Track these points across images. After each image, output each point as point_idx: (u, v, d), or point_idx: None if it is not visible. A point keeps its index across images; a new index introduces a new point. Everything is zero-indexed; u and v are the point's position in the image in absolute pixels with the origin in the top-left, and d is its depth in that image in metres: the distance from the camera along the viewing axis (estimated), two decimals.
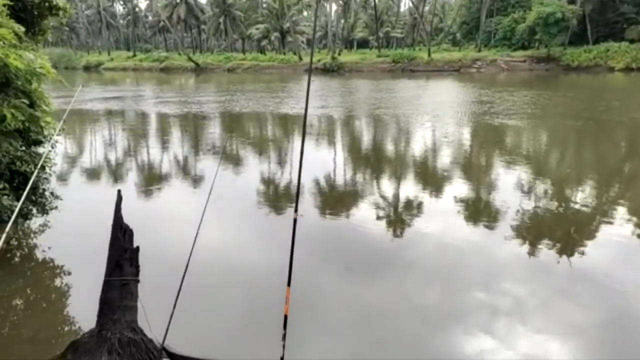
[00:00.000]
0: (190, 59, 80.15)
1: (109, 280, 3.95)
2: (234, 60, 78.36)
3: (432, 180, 13.16)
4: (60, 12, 8.31)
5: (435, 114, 25.52)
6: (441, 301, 6.69)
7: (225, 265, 7.83)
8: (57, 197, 8.37)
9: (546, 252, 8.20)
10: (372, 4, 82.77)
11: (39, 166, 4.91)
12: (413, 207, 10.74)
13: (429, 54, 68.63)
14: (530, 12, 62.29)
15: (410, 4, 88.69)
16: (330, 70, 66.48)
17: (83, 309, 5.94)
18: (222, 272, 7.57)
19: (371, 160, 16.28)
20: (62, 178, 13.11)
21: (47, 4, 8.11)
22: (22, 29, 6.99)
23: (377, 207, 10.73)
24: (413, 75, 58.65)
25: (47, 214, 8.34)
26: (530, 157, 15.73)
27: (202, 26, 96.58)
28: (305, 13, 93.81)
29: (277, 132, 23.08)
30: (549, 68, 60.19)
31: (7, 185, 6.97)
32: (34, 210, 8.08)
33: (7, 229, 3.27)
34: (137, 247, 4.02)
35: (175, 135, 21.54)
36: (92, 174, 14.36)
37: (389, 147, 18.20)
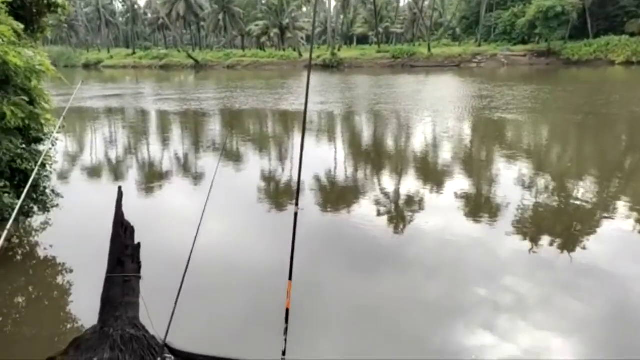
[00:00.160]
0: (189, 56, 79.99)
1: (111, 277, 3.97)
2: (234, 57, 78.17)
3: (432, 175, 13.15)
4: (59, 10, 8.30)
5: (435, 109, 25.48)
6: (442, 295, 6.69)
7: (226, 261, 7.84)
8: (58, 195, 8.38)
9: (547, 246, 8.20)
10: None
11: (39, 163, 4.90)
12: (413, 203, 10.73)
13: (429, 49, 68.43)
14: (530, 6, 62.04)
15: None
16: (330, 66, 66.33)
17: (85, 307, 5.95)
18: (224, 268, 7.57)
19: (371, 156, 16.27)
20: (63, 176, 13.12)
21: (45, 1, 8.10)
22: (21, 26, 6.98)
23: (378, 203, 10.72)
24: (413, 71, 58.54)
25: (49, 211, 8.35)
26: (529, 151, 15.70)
27: (202, 23, 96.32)
28: (304, 9, 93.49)
29: (277, 128, 23.05)
30: (550, 62, 59.99)
31: (7, 184, 6.98)
32: (35, 208, 8.10)
33: (7, 227, 3.27)
34: (139, 244, 4.03)
35: (175, 132, 21.52)
36: (93, 171, 14.36)
37: (389, 143, 18.18)
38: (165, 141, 18.99)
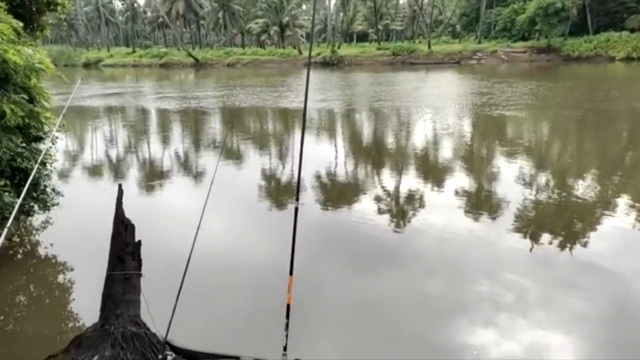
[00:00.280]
0: (189, 55, 79.94)
1: (112, 275, 3.96)
2: (234, 55, 78.10)
3: (431, 172, 13.14)
4: (59, 8, 8.29)
5: (435, 106, 25.46)
6: (443, 292, 6.69)
7: (227, 257, 7.84)
8: (58, 194, 8.38)
9: (548, 243, 8.19)
10: None
11: (38, 161, 4.90)
12: (413, 200, 10.73)
13: (429, 46, 68.38)
14: (530, 2, 61.96)
15: None
16: (330, 64, 66.26)
17: (86, 305, 5.96)
18: (224, 265, 7.58)
19: (371, 153, 16.26)
20: (63, 175, 13.13)
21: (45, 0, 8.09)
22: (21, 24, 6.97)
23: (378, 200, 10.72)
24: (413, 68, 58.47)
25: (49, 210, 8.35)
26: (528, 148, 15.69)
27: (201, 21, 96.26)
28: (304, 7, 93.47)
29: (276, 126, 23.05)
30: (550, 59, 59.93)
31: (8, 182, 6.97)
32: (36, 207, 8.09)
33: (8, 224, 3.27)
34: (139, 241, 4.02)
35: (175, 130, 21.52)
36: (93, 170, 14.36)
37: (389, 140, 18.16)
38: (165, 139, 19.00)
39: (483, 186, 11.62)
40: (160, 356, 3.56)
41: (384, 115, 23.17)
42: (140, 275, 4.02)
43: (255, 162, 14.99)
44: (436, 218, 9.47)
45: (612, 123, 19.96)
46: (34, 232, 9.01)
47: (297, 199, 3.47)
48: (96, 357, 3.64)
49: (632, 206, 9.79)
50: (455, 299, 6.41)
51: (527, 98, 26.79)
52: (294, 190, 11.33)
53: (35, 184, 7.71)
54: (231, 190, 11.38)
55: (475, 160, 14.51)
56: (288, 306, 3.24)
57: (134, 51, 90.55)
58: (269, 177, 13.12)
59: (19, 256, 8.19)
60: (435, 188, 11.63)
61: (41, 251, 8.37)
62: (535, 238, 8.37)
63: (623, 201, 10.13)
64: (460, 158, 14.44)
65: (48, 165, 8.16)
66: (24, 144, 7.21)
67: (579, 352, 5.34)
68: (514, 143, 16.47)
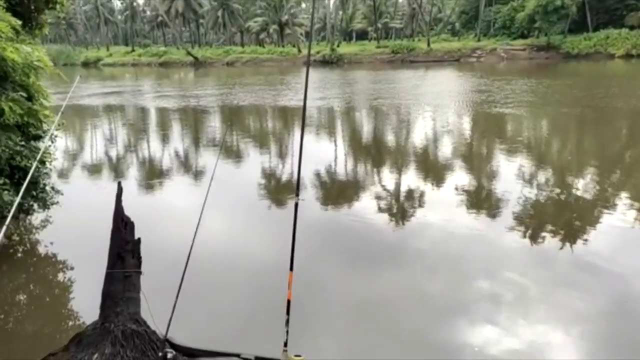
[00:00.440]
0: (189, 53, 79.86)
1: (111, 273, 3.95)
2: (233, 54, 78.02)
3: (430, 169, 13.13)
4: (57, 6, 8.27)
5: (434, 103, 25.45)
6: (443, 288, 6.69)
7: (227, 255, 7.84)
8: (58, 192, 8.37)
9: (547, 241, 8.19)
10: None
11: (37, 159, 4.88)
12: (413, 197, 10.72)
13: (428, 44, 68.31)
14: (529, 0, 61.91)
15: None
16: (330, 62, 66.20)
17: (86, 303, 5.95)
18: (224, 262, 7.58)
19: (370, 150, 16.26)
20: (63, 173, 13.12)
21: None
22: (19, 22, 6.95)
23: (378, 197, 10.72)
24: (412, 66, 58.42)
25: (49, 208, 8.34)
26: (526, 145, 15.68)
27: (201, 20, 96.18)
28: (303, 5, 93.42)
29: (275, 124, 23.05)
30: (549, 56, 59.87)
31: (7, 181, 6.96)
32: (35, 206, 8.08)
33: (7, 222, 3.26)
34: (139, 239, 4.01)
35: (175, 129, 21.50)
36: (93, 169, 14.35)
37: (388, 137, 18.15)
38: (164, 138, 18.99)
39: (482, 184, 11.61)
40: (160, 354, 3.55)
41: (384, 113, 23.16)
42: (140, 273, 4.01)
43: (255, 160, 14.98)
44: (436, 215, 9.46)
45: (611, 120, 19.95)
46: (34, 230, 9.00)
47: (297, 195, 3.47)
48: (96, 355, 3.63)
49: (631, 204, 9.78)
50: (455, 297, 6.41)
51: (526, 95, 26.78)
52: (293, 187, 11.32)
53: (34, 183, 7.70)
54: (231, 187, 11.37)
55: (474, 158, 14.50)
56: (288, 302, 3.23)
57: (133, 50, 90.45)
58: (269, 174, 13.12)
59: (19, 255, 8.19)
60: (435, 186, 11.62)
61: (41, 250, 8.36)
62: (534, 236, 8.36)
63: (622, 199, 10.12)
64: (458, 156, 14.44)
65: (47, 164, 8.14)
66: (23, 143, 7.20)
67: (578, 350, 5.33)
68: (512, 140, 16.46)
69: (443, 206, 9.97)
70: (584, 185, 11.16)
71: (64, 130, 17.59)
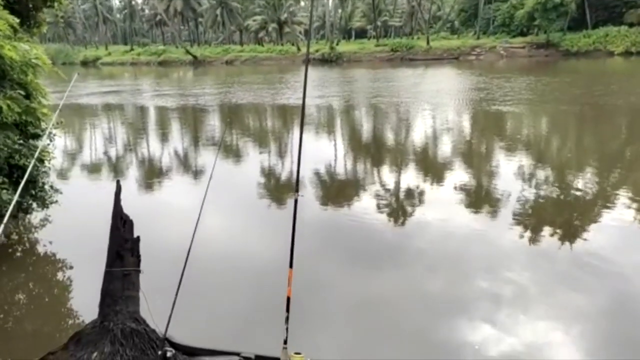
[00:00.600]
0: (188, 52, 79.73)
1: (110, 271, 3.93)
2: (232, 53, 77.92)
3: (429, 167, 13.13)
4: (55, 4, 8.24)
5: (433, 101, 25.44)
6: (443, 285, 6.68)
7: (226, 253, 7.83)
8: (57, 191, 8.35)
9: (547, 238, 8.17)
10: None
11: (35, 157, 4.86)
12: (413, 195, 10.71)
13: (428, 42, 68.21)
14: None
15: None
16: (329, 61, 66.14)
17: (86, 302, 5.92)
18: (224, 260, 7.57)
19: (369, 148, 16.24)
20: (62, 172, 13.09)
21: None
22: (17, 20, 6.92)
23: (378, 195, 10.70)
24: (412, 64, 58.38)
25: (48, 207, 8.32)
26: (524, 142, 15.67)
27: (199, 19, 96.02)
28: (302, 3, 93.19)
29: (274, 122, 23.05)
30: (549, 54, 59.80)
31: (5, 180, 6.94)
32: (34, 205, 8.06)
33: (4, 221, 3.24)
34: (138, 237, 3.99)
35: (174, 128, 21.48)
36: (92, 168, 14.33)
37: (386, 135, 18.13)
38: (163, 137, 18.96)
39: (480, 182, 11.59)
40: (159, 352, 3.54)
41: (383, 112, 23.14)
42: (139, 271, 3.99)
43: (254, 158, 14.97)
44: (435, 214, 9.45)
45: (610, 118, 19.93)
46: (33, 229, 8.99)
47: (297, 190, 3.47)
48: (95, 354, 3.62)
49: (630, 202, 9.75)
50: (454, 295, 6.40)
51: (525, 93, 26.76)
52: (292, 185, 11.30)
53: (33, 182, 7.68)
54: (230, 186, 11.36)
55: (472, 156, 14.48)
56: (288, 299, 3.21)
57: (132, 49, 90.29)
58: (268, 173, 13.10)
59: (18, 254, 8.18)
60: (434, 184, 11.62)
61: (40, 249, 8.35)
62: (534, 234, 8.35)
63: (621, 197, 10.08)
64: (457, 154, 14.42)
65: (46, 163, 8.12)
66: (21, 141, 7.18)
67: (578, 348, 5.32)
68: (510, 138, 16.46)
69: (442, 204, 9.96)
70: (583, 183, 11.14)
71: (63, 129, 17.56)
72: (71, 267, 7.51)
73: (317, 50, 67.95)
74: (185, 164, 14.65)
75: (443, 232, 8.52)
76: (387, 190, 11.11)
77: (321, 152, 14.90)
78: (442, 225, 8.82)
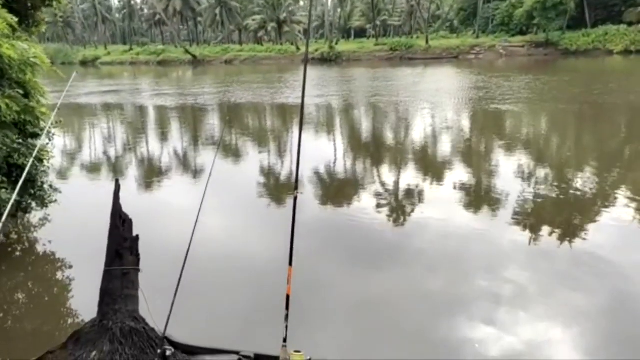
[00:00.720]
0: (187, 52, 79.68)
1: (110, 270, 3.92)
2: (231, 52, 77.90)
3: (428, 166, 13.13)
4: (54, 3, 8.22)
5: (432, 100, 25.43)
6: (442, 284, 6.68)
7: (225, 252, 7.82)
8: (56, 190, 8.33)
9: (546, 237, 8.17)
10: None
11: (33, 156, 4.85)
12: (412, 194, 10.70)
13: (427, 42, 68.19)
14: None
15: None
16: (328, 60, 66.12)
17: (85, 302, 5.90)
18: (223, 258, 7.56)
19: (368, 147, 16.23)
20: (61, 172, 13.07)
21: None
22: (15, 19, 6.91)
23: (377, 195, 10.70)
24: (411, 63, 58.37)
25: (47, 207, 8.31)
26: (522, 141, 15.66)
27: (199, 18, 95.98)
28: (301, 3, 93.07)
29: (274, 121, 23.04)
30: (548, 53, 59.81)
31: (5, 179, 6.93)
32: (34, 204, 8.05)
33: (2, 220, 3.22)
34: (137, 236, 3.99)
35: (173, 127, 21.46)
36: (91, 167, 14.32)
37: (385, 134, 18.12)
38: (162, 136, 18.94)
39: (480, 181, 11.57)
40: (159, 351, 3.53)
41: (382, 111, 23.14)
42: (138, 270, 3.99)
43: (253, 157, 14.97)
44: (434, 213, 9.45)
45: (608, 116, 19.93)
46: (32, 229, 8.98)
47: (296, 188, 3.46)
48: (94, 353, 3.61)
49: (629, 200, 9.75)
50: (454, 293, 6.39)
51: (524, 92, 26.76)
52: (292, 183, 11.29)
53: (32, 181, 7.67)
54: (229, 185, 11.36)
55: (471, 155, 14.47)
56: (288, 297, 3.20)
57: (131, 49, 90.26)
58: (267, 172, 13.09)
59: (17, 253, 8.17)
60: (433, 182, 11.62)
61: (39, 248, 8.34)
62: (534, 233, 8.34)
63: (620, 195, 10.08)
64: (456, 153, 14.40)
65: (45, 162, 8.11)
66: (20, 140, 7.17)
67: (577, 347, 5.31)
68: (509, 137, 16.46)
69: (441, 203, 9.95)
70: (581, 182, 11.13)
71: (62, 129, 17.54)
72: (70, 267, 7.50)
73: (316, 50, 67.93)
74: (185, 163, 14.64)
75: (442, 231, 8.50)
76: (387, 189, 11.10)
77: (320, 151, 14.89)
78: (442, 224, 8.81)
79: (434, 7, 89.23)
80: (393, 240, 8.43)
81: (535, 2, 58.67)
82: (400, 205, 10.11)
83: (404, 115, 21.79)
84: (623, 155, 13.97)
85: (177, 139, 18.29)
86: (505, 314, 5.85)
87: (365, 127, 20.34)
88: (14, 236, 8.51)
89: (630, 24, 57.57)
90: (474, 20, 73.36)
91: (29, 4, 8.04)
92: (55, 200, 8.32)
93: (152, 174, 13.32)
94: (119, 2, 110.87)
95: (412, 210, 9.74)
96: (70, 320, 6.21)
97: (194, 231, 3.81)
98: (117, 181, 4.01)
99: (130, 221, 3.97)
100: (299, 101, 3.67)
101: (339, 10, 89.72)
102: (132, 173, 13.54)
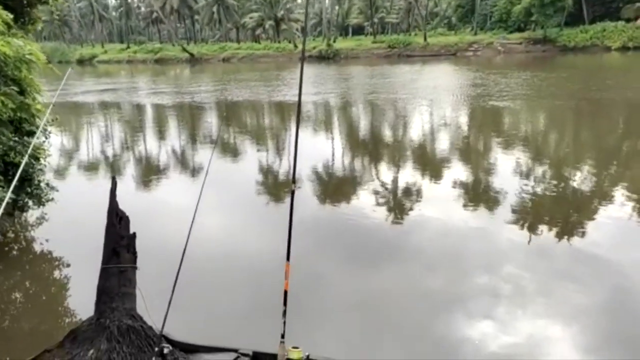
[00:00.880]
0: (184, 50, 79.52)
1: (106, 268, 3.90)
2: (229, 50, 77.79)
3: (425, 163, 13.12)
4: (50, 0, 8.17)
5: (429, 97, 25.44)
6: (441, 281, 6.66)
7: (223, 249, 7.80)
8: (52, 189, 8.29)
9: (545, 234, 8.16)
10: None
11: (28, 152, 4.81)
12: (409, 192, 10.69)
13: (425, 39, 68.16)
14: None
15: None
16: (326, 58, 66.05)
17: (83, 300, 5.88)
18: (221, 256, 7.54)
19: (366, 144, 16.21)
20: (58, 171, 13.02)
21: None
22: (10, 16, 6.86)
23: (375, 192, 10.67)
24: (409, 61, 58.31)
25: (44, 205, 8.27)
26: (519, 138, 15.67)
27: (196, 16, 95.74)
28: (299, 0, 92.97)
29: (272, 118, 23.00)
30: (546, 49, 59.80)
31: (1, 177, 6.89)
32: (30, 203, 8.01)
33: None
34: (134, 234, 3.95)
35: (170, 125, 21.43)
36: (88, 166, 14.27)
37: (383, 131, 18.10)
38: (159, 134, 18.90)
39: (477, 178, 11.55)
40: (156, 349, 3.51)
41: (380, 108, 23.12)
42: (135, 268, 3.96)
43: (251, 154, 14.96)
44: (433, 209, 9.43)
45: (605, 113, 19.93)
46: (29, 227, 8.94)
47: (294, 182, 3.43)
48: (92, 351, 3.59)
49: (628, 196, 9.74)
50: (453, 291, 6.38)
51: (521, 89, 26.76)
52: (289, 180, 11.26)
53: (29, 179, 7.63)
54: (227, 182, 11.33)
55: (468, 152, 14.46)
56: (285, 293, 3.17)
57: (128, 47, 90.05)
58: (265, 168, 13.06)
59: (14, 252, 8.14)
60: (431, 179, 11.60)
61: (37, 247, 8.30)
62: (532, 229, 8.33)
63: (618, 191, 10.07)
64: (453, 150, 14.39)
65: (41, 160, 8.06)
66: (16, 138, 7.12)
67: (577, 344, 5.30)
68: (506, 134, 16.45)
69: (439, 200, 9.93)
70: (579, 179, 11.12)
71: (59, 128, 17.50)
72: (68, 265, 7.47)
73: (314, 47, 67.84)
74: (182, 161, 14.60)
75: (441, 229, 8.49)
76: (385, 187, 11.08)
77: (318, 149, 14.86)
78: (440, 222, 8.79)
79: (432, 4, 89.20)
80: (391, 237, 8.42)
81: None
82: (398, 202, 10.10)
83: (401, 113, 21.76)
84: (620, 151, 13.96)
85: (175, 137, 18.24)
86: (505, 312, 5.83)
87: (363, 124, 20.31)
88: (10, 235, 8.47)
89: (628, 20, 57.60)
90: (471, 17, 73.28)
91: (25, 1, 7.99)
92: (52, 199, 8.28)
93: (149, 172, 13.29)
94: (116, 0, 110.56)
95: (411, 208, 9.72)
96: (67, 319, 6.18)
97: (190, 229, 3.78)
98: (113, 178, 3.98)
99: (127, 218, 3.94)
100: (297, 98, 3.64)
101: (336, 7, 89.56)
102: (129, 171, 13.50)
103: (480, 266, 6.94)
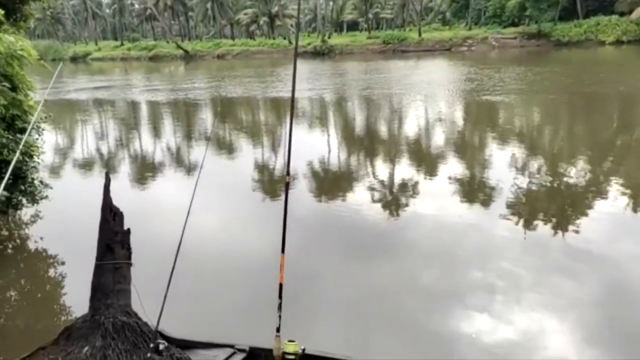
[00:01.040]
0: (179, 47, 79.24)
1: (101, 264, 3.87)
2: (223, 47, 77.54)
3: (420, 158, 13.12)
4: None
5: (424, 92, 25.46)
6: (437, 275, 6.67)
7: (218, 245, 7.80)
8: (46, 186, 8.26)
9: (540, 228, 8.17)
10: None
11: (19, 148, 4.77)
12: (405, 186, 10.69)
13: (420, 34, 68.12)
14: None
15: None
16: (321, 54, 65.94)
17: (78, 298, 5.83)
18: (216, 252, 7.53)
19: (361, 140, 16.21)
20: (52, 168, 12.96)
21: None
22: (2, 12, 6.80)
23: (371, 187, 10.67)
24: (404, 56, 58.28)
25: (38, 203, 8.24)
26: (513, 132, 15.69)
27: (190, 13, 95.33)
28: None
29: (266, 114, 22.98)
30: (540, 44, 59.85)
31: None
32: (24, 200, 7.97)
33: None
34: (128, 230, 3.93)
35: (165, 122, 21.36)
36: (82, 163, 14.22)
37: (377, 127, 18.12)
38: (154, 131, 18.84)
39: (472, 173, 11.54)
40: (151, 345, 3.49)
41: (375, 103, 23.11)
42: (130, 264, 3.94)
43: (245, 149, 14.93)
44: (428, 203, 9.45)
45: (597, 106, 19.96)
46: (24, 226, 8.90)
47: (288, 174, 3.41)
48: (86, 348, 3.57)
49: (621, 190, 9.76)
50: (449, 284, 6.39)
51: (515, 83, 26.79)
52: (283, 176, 11.24)
53: (23, 177, 7.59)
54: (221, 177, 11.31)
55: (462, 146, 14.44)
56: (280, 286, 3.15)
57: (122, 44, 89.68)
58: (259, 163, 13.05)
59: (9, 250, 8.10)
60: (426, 174, 11.60)
61: (31, 245, 8.27)
62: (527, 224, 8.34)
63: (612, 185, 10.09)
64: (448, 144, 14.39)
65: (35, 157, 8.02)
66: (9, 136, 7.07)
67: (573, 338, 5.31)
68: (499, 128, 16.50)
69: (434, 195, 9.95)
70: (573, 172, 11.14)
71: (53, 125, 17.41)
72: (62, 263, 7.44)
73: (308, 44, 67.70)
74: (176, 157, 14.56)
75: (436, 223, 8.50)
76: (380, 181, 11.08)
77: (313, 144, 14.85)
78: (435, 216, 8.81)
79: None
80: (387, 232, 8.42)
81: None
82: (394, 197, 10.10)
83: (396, 108, 21.77)
84: (614, 145, 13.98)
85: (169, 134, 18.20)
86: (501, 305, 5.84)
87: (357, 120, 20.30)
88: (4, 233, 8.44)
89: (622, 14, 57.72)
90: (466, 12, 73.27)
91: None
92: (46, 197, 8.25)
93: (143, 169, 13.25)
94: None
95: (406, 203, 9.72)
96: (63, 317, 6.16)
97: (185, 224, 3.76)
98: (107, 174, 3.95)
99: (121, 214, 3.91)
100: (290, 94, 3.61)
101: (331, 3, 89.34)
102: (124, 168, 13.45)
103: (475, 261, 6.94)
